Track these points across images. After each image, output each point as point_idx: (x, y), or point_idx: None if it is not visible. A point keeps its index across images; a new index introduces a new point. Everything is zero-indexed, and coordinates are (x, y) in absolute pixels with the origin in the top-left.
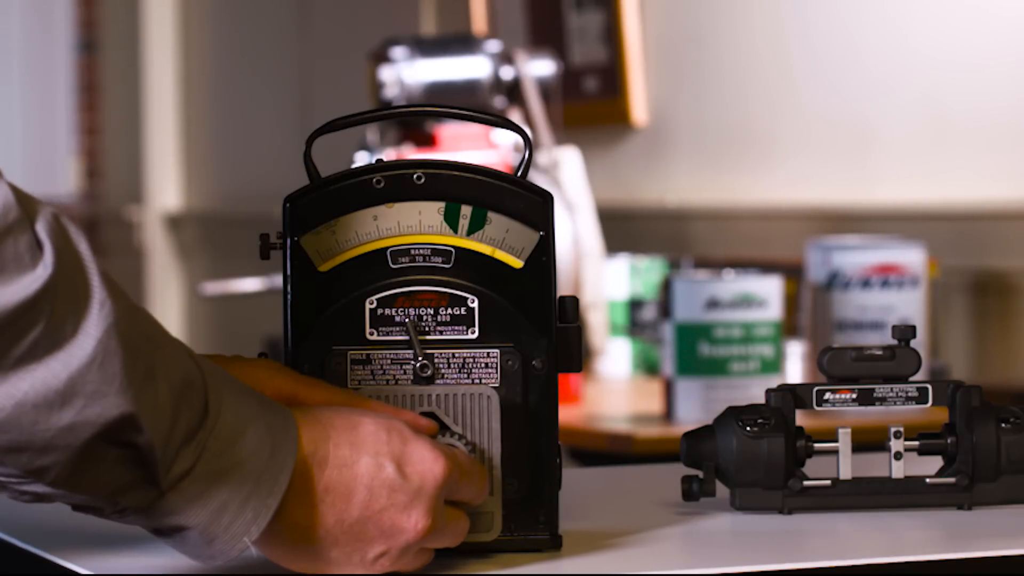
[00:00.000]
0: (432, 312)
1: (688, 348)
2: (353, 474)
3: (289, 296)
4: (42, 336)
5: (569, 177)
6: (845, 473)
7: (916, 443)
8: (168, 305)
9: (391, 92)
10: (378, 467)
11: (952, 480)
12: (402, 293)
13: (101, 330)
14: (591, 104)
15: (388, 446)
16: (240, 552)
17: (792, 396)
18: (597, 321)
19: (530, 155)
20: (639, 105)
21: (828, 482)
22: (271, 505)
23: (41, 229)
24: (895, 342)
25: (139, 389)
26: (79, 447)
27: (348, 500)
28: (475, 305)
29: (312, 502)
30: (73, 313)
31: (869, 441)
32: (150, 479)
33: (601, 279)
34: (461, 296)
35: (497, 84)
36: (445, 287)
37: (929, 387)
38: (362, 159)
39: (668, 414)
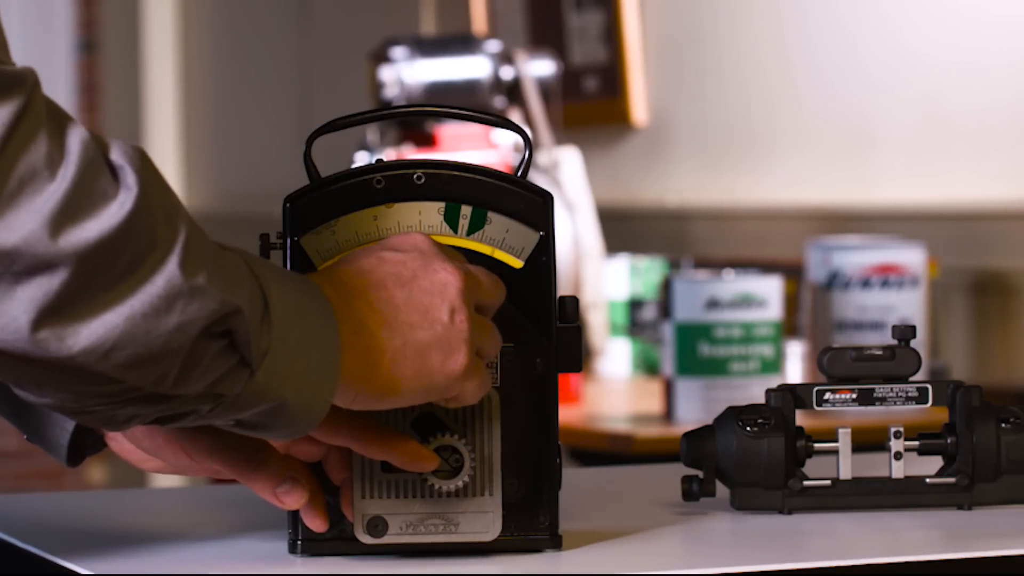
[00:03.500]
0: None
1: (688, 348)
2: (365, 270)
3: None
4: (136, 253)
5: (569, 177)
6: (845, 473)
7: (916, 443)
8: None
9: (391, 92)
10: (377, 257)
11: (952, 480)
12: None
13: (184, 235)
14: (591, 104)
15: (366, 251)
16: (320, 414)
17: (792, 396)
18: (597, 321)
19: (530, 155)
20: (639, 105)
21: (828, 482)
22: (335, 355)
23: (117, 156)
24: (895, 342)
25: (224, 279)
26: (189, 346)
27: (384, 288)
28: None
29: (364, 308)
30: (159, 225)
31: (869, 441)
32: (243, 361)
33: (601, 279)
34: None
35: (497, 84)
36: None
37: (929, 387)
38: (362, 159)
39: (668, 414)
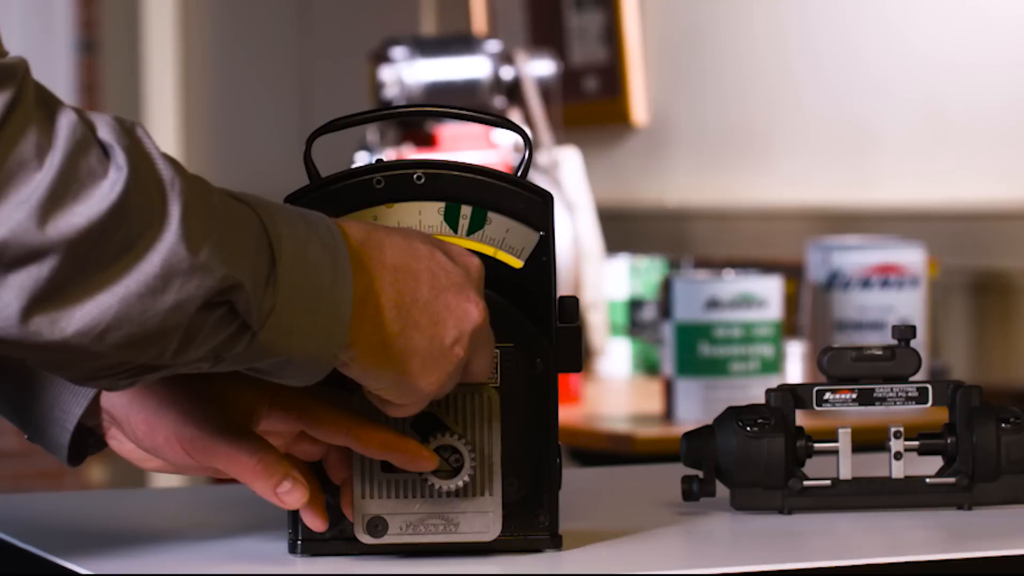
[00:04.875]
0: None
1: (688, 348)
2: (413, 253)
3: None
4: (130, 232)
5: (569, 177)
6: (845, 473)
7: (916, 443)
8: None
9: (391, 92)
10: (431, 251)
11: (952, 480)
12: None
13: (180, 209)
14: (591, 104)
15: (429, 239)
16: (329, 366)
17: (792, 396)
18: (597, 321)
19: (530, 155)
20: (639, 105)
21: (828, 482)
22: (345, 312)
23: (105, 135)
24: (895, 342)
25: (224, 250)
26: (188, 322)
27: (417, 279)
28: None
29: (385, 282)
30: (154, 201)
31: (869, 441)
32: (243, 325)
33: (601, 279)
34: None
35: (497, 84)
36: None
37: (929, 387)
38: (362, 159)
39: (668, 414)
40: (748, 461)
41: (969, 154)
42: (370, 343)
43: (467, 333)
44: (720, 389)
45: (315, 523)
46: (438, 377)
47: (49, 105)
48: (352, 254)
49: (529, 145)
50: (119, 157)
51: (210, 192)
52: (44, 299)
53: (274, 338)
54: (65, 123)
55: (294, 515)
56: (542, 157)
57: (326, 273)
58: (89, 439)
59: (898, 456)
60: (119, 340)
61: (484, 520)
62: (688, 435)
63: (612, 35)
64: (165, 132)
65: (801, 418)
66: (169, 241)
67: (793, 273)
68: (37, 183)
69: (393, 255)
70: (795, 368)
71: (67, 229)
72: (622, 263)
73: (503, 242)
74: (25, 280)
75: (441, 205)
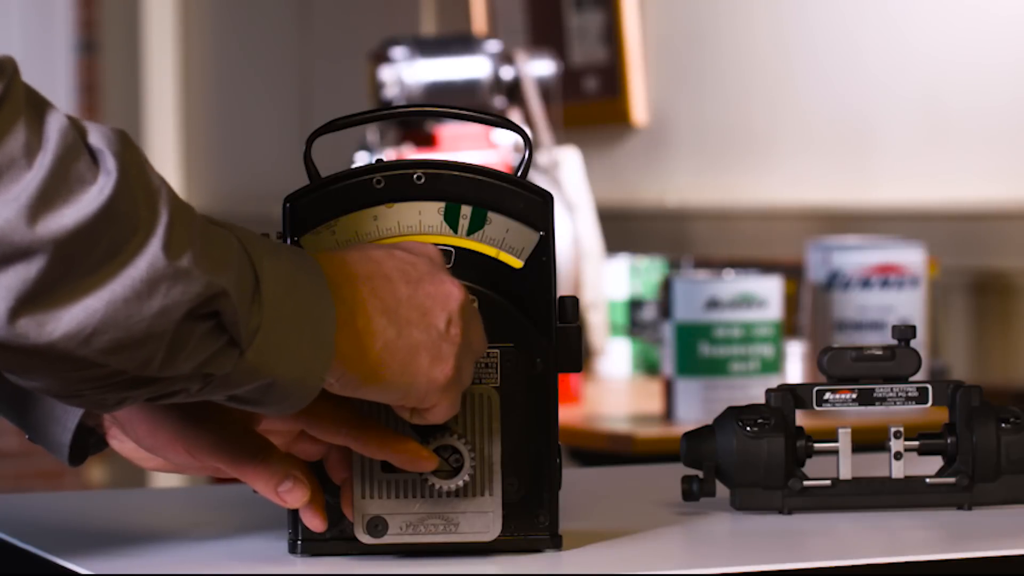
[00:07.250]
0: None
1: (688, 348)
2: (375, 259)
3: None
4: (117, 237)
5: (569, 177)
6: (845, 473)
7: (916, 443)
8: None
9: (391, 92)
10: (388, 253)
11: (952, 480)
12: None
13: (167, 216)
14: (591, 104)
15: (378, 245)
16: (314, 391)
17: (792, 396)
18: (597, 321)
19: (530, 155)
20: (639, 105)
21: (828, 482)
22: (329, 331)
23: (96, 140)
24: (895, 342)
25: (209, 259)
26: (174, 329)
27: (390, 281)
28: (475, 305)
29: (365, 294)
30: (141, 208)
31: (869, 441)
32: (231, 342)
33: (601, 279)
34: None
35: (497, 84)
36: None
37: (929, 387)
38: (362, 159)
39: (668, 414)
40: (748, 461)
41: (969, 154)
42: (370, 356)
43: (456, 312)
44: (720, 389)
45: (315, 523)
46: (449, 363)
47: (39, 107)
48: (327, 276)
49: (529, 145)
50: (109, 162)
51: (193, 211)
52: (31, 300)
53: (262, 358)
54: (55, 126)
55: (294, 515)
56: (542, 157)
57: (307, 293)
58: (90, 439)
59: (898, 456)
60: (105, 345)
61: (484, 520)
62: (688, 435)
63: (612, 35)
64: (165, 132)
65: (801, 418)
66: (155, 247)
67: (793, 273)
68: (27, 182)
69: (360, 268)
70: (795, 368)
71: (56, 229)
72: (622, 263)
73: (503, 242)
74: (13, 280)
75: (441, 205)
